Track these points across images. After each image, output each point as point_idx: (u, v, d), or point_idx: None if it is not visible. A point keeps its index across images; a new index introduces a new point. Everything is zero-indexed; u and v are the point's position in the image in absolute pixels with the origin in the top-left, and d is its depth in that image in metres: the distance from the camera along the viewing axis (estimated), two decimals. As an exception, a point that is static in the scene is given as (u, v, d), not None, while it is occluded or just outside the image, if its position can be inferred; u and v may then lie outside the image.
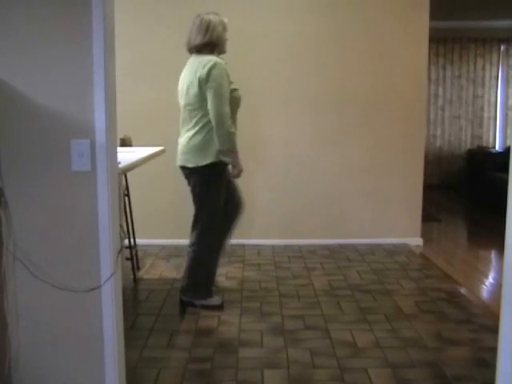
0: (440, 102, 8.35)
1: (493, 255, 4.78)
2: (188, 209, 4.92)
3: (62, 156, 1.86)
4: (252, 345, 2.83)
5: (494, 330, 2.90)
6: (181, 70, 4.87)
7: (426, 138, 6.70)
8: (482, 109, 8.33)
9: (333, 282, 3.83)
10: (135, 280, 3.87)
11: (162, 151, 3.91)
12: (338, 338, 2.92)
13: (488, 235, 5.37)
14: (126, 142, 3.98)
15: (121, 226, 2.09)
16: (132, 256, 3.87)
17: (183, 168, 3.30)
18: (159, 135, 4.64)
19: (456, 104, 8.35)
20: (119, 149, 2.56)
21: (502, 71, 8.31)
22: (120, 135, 3.74)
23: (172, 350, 2.77)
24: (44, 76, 1.83)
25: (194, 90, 3.13)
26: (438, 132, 8.41)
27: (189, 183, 3.34)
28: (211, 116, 3.10)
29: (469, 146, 8.35)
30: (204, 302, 3.35)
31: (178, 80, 5.06)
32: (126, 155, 3.19)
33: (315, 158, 4.83)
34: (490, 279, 4.08)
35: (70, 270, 1.92)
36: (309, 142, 4.83)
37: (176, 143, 4.69)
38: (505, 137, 8.38)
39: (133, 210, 4.01)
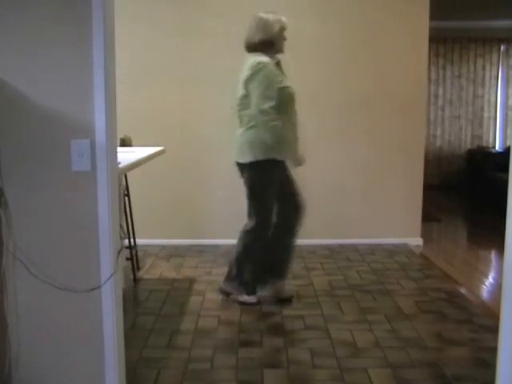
0: (440, 102, 8.35)
1: (493, 255, 4.79)
2: (188, 209, 4.94)
3: (62, 156, 1.86)
4: (252, 345, 2.83)
5: (494, 330, 2.89)
6: (181, 70, 4.89)
7: (426, 138, 6.70)
8: (482, 109, 8.33)
9: (333, 282, 3.83)
10: (135, 280, 3.87)
11: (162, 151, 3.91)
12: (338, 338, 2.92)
13: (488, 235, 5.37)
14: (125, 142, 3.98)
15: (121, 226, 2.09)
16: (132, 256, 3.87)
17: (236, 163, 3.35)
18: (159, 135, 4.64)
19: (456, 104, 8.35)
20: (119, 149, 2.55)
21: (502, 71, 8.31)
22: (120, 135, 3.74)
23: (172, 350, 2.77)
24: (44, 76, 1.84)
25: (241, 89, 3.22)
26: (438, 132, 8.41)
27: (241, 178, 3.38)
28: (253, 115, 3.17)
29: (469, 146, 8.35)
30: (241, 299, 3.40)
31: (178, 80, 5.07)
32: (125, 155, 3.19)
33: (315, 157, 4.82)
34: (490, 279, 4.08)
35: (70, 270, 1.92)
36: (308, 142, 4.81)
37: (174, 143, 4.71)
38: (505, 137, 8.38)
39: (133, 210, 4.01)
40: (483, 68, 8.28)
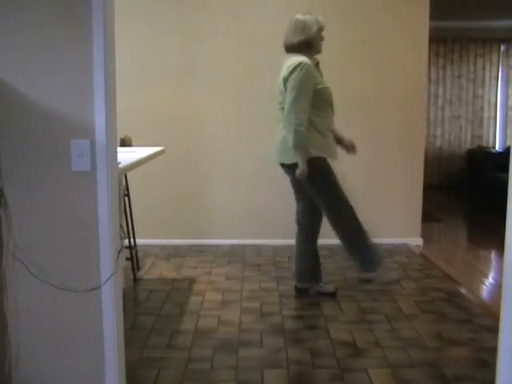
0: (440, 102, 8.35)
1: (493, 255, 4.78)
2: (188, 209, 4.94)
3: (62, 156, 1.86)
4: (252, 345, 2.83)
5: (494, 330, 2.90)
6: (181, 70, 4.89)
7: (426, 138, 6.70)
8: (482, 109, 8.33)
9: (333, 282, 3.83)
10: (135, 280, 3.87)
11: (162, 151, 3.91)
12: (337, 338, 2.92)
13: (488, 235, 5.38)
14: (125, 142, 3.98)
15: (121, 226, 2.09)
16: (132, 256, 3.87)
17: (282, 165, 3.40)
18: (159, 135, 4.65)
19: (456, 104, 8.35)
20: (119, 149, 2.56)
21: (502, 71, 8.31)
22: (120, 135, 3.74)
23: (172, 350, 2.77)
24: (44, 76, 1.83)
25: (281, 89, 3.28)
26: (438, 132, 8.41)
27: (291, 178, 3.45)
28: (285, 112, 3.21)
29: (469, 146, 8.35)
30: (319, 289, 3.56)
31: (178, 80, 5.07)
32: (125, 155, 3.19)
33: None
34: (490, 279, 4.08)
35: (69, 270, 1.92)
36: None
37: (174, 143, 4.71)
38: (505, 137, 8.38)
39: (133, 210, 4.01)
40: (483, 68, 8.27)
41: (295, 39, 3.29)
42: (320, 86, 3.25)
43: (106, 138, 1.86)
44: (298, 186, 3.48)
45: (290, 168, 3.33)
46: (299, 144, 3.18)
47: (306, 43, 3.28)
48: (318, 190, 3.37)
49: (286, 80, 3.22)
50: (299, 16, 3.33)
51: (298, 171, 3.23)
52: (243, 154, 4.83)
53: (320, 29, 3.33)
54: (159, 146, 4.04)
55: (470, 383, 2.45)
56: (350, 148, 3.60)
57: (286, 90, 3.22)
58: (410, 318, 3.20)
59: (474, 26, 8.03)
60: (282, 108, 3.29)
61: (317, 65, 3.35)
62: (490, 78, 8.29)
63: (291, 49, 3.33)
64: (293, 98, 3.16)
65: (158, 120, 4.73)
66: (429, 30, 4.75)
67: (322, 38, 3.35)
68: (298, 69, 3.17)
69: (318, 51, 3.36)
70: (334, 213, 3.40)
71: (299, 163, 3.22)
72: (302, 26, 3.29)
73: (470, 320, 3.16)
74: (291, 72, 3.18)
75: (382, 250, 3.61)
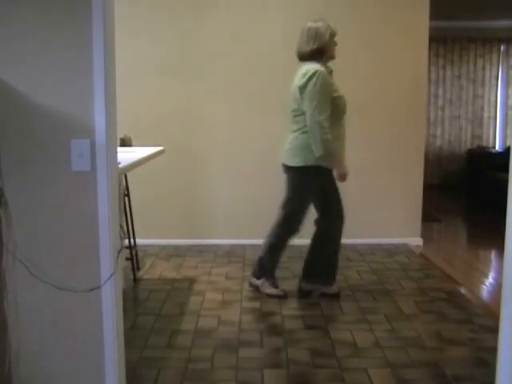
0: (440, 102, 8.35)
1: (493, 255, 4.79)
2: (188, 209, 4.94)
3: (62, 156, 1.86)
4: (252, 345, 2.83)
5: (494, 330, 2.90)
6: (181, 70, 4.89)
7: (426, 138, 6.70)
8: (482, 109, 8.33)
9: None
10: (135, 280, 3.87)
11: (162, 151, 3.91)
12: (337, 338, 2.92)
13: (488, 235, 5.38)
14: (125, 142, 3.98)
15: (121, 226, 2.09)
16: (132, 256, 3.87)
17: (284, 165, 3.45)
18: (159, 135, 4.65)
19: (456, 104, 8.35)
20: (119, 149, 2.55)
21: (501, 71, 8.31)
22: (120, 135, 3.74)
23: (172, 350, 2.77)
24: (44, 76, 1.83)
25: (296, 97, 3.29)
26: (438, 132, 8.41)
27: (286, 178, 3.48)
28: (307, 123, 3.24)
29: (469, 146, 8.35)
30: (325, 290, 3.55)
31: (178, 80, 5.07)
32: (126, 155, 3.19)
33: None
34: (490, 279, 4.08)
35: (69, 270, 1.92)
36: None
37: (174, 143, 4.71)
38: (505, 137, 8.38)
39: (133, 210, 4.01)
40: (483, 68, 8.28)
41: (308, 47, 3.32)
42: (336, 94, 3.29)
43: (106, 138, 1.86)
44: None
45: (291, 170, 3.39)
46: (329, 152, 3.24)
47: (319, 51, 3.31)
48: (293, 196, 3.43)
49: (302, 88, 3.23)
50: (311, 24, 3.35)
51: (336, 176, 3.37)
52: (243, 155, 4.83)
53: (332, 35, 3.35)
54: (159, 146, 4.05)
55: (469, 383, 2.45)
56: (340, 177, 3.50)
57: (302, 98, 3.25)
58: (410, 318, 3.20)
59: (474, 26, 8.03)
60: (296, 115, 3.33)
61: (330, 73, 3.38)
62: (490, 77, 8.29)
63: (304, 57, 3.36)
64: (314, 108, 3.19)
65: (158, 120, 4.73)
66: (429, 29, 4.75)
67: (334, 44, 3.37)
68: (315, 77, 3.20)
69: (332, 57, 3.39)
70: (287, 220, 3.50)
71: (335, 169, 3.36)
72: (314, 34, 3.31)
73: (470, 320, 3.16)
74: (308, 80, 3.21)
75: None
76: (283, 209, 3.50)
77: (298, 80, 3.29)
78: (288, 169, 3.41)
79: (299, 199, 3.45)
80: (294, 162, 3.34)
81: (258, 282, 3.61)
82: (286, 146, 3.43)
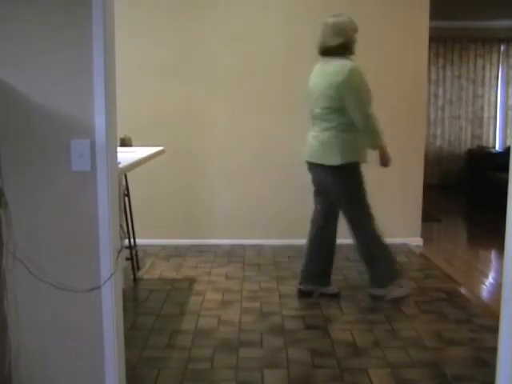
0: (440, 102, 8.35)
1: (493, 255, 4.78)
2: (188, 209, 4.94)
3: (62, 156, 1.86)
4: (252, 345, 2.83)
5: (494, 330, 2.89)
6: (181, 70, 4.88)
7: (426, 138, 6.69)
8: (482, 109, 8.33)
9: (333, 282, 3.83)
10: (135, 280, 3.87)
11: (162, 151, 3.91)
12: (337, 337, 2.92)
13: (488, 235, 5.38)
14: (125, 142, 3.98)
15: (121, 226, 2.09)
16: (132, 256, 3.87)
17: (315, 164, 3.38)
18: (159, 135, 4.65)
19: (456, 104, 8.35)
20: (119, 149, 2.55)
21: (501, 71, 8.31)
22: (120, 135, 3.74)
23: (172, 350, 2.77)
24: (44, 76, 1.83)
25: (330, 94, 3.23)
26: (438, 132, 8.41)
27: (320, 180, 3.44)
28: (357, 119, 3.24)
29: (469, 146, 8.35)
30: (325, 291, 3.54)
31: (178, 80, 5.05)
32: (126, 155, 3.19)
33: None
34: (490, 279, 4.08)
35: (69, 270, 1.92)
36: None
37: (174, 143, 4.71)
38: (505, 137, 8.38)
39: (133, 209, 4.01)
40: (483, 68, 8.27)
41: (334, 42, 3.26)
42: (368, 89, 3.29)
43: (106, 138, 1.86)
44: (323, 188, 3.48)
45: (330, 169, 3.31)
46: (382, 140, 3.37)
47: (345, 45, 3.28)
48: (351, 194, 3.41)
49: (341, 85, 3.18)
50: (336, 19, 3.31)
51: (383, 162, 3.41)
52: (243, 154, 4.83)
53: (355, 30, 3.34)
54: (159, 146, 4.04)
55: (469, 383, 2.45)
56: None
57: (340, 94, 3.20)
58: (410, 318, 3.20)
59: (474, 26, 8.03)
60: (328, 113, 3.27)
61: None
62: (490, 77, 8.29)
63: (330, 52, 3.29)
64: (363, 102, 3.23)
65: (158, 120, 4.73)
66: (429, 30, 4.74)
67: (356, 40, 3.35)
68: (355, 72, 3.20)
69: (353, 53, 3.35)
70: (359, 222, 3.48)
71: (386, 154, 3.41)
72: (340, 29, 3.28)
73: (470, 320, 3.16)
74: (348, 76, 3.18)
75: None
76: (345, 215, 3.44)
77: (333, 77, 3.22)
78: (326, 168, 3.32)
79: (356, 196, 3.40)
80: (337, 160, 3.25)
81: (383, 291, 3.48)
82: (315, 145, 3.34)
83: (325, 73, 3.30)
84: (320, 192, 3.52)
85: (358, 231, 3.45)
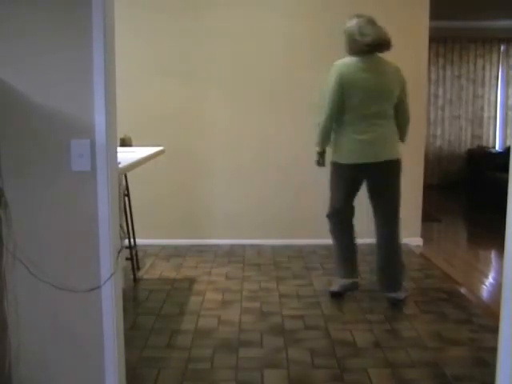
0: (440, 102, 8.35)
1: (493, 255, 4.79)
2: (188, 209, 4.94)
3: (62, 156, 1.86)
4: (252, 345, 2.83)
5: (494, 330, 2.89)
6: (181, 70, 4.87)
7: (426, 138, 6.69)
8: (482, 109, 8.33)
9: (333, 282, 3.83)
10: (135, 280, 3.87)
11: (162, 151, 3.91)
12: (338, 338, 2.92)
13: (488, 235, 5.38)
14: (126, 142, 3.98)
15: (121, 226, 2.09)
16: (132, 256, 3.87)
17: (385, 162, 3.34)
18: (159, 135, 4.65)
19: (456, 104, 8.35)
20: (119, 149, 2.55)
21: (501, 71, 8.31)
22: (120, 135, 3.74)
23: (172, 350, 2.77)
24: (44, 76, 1.83)
25: (396, 90, 3.36)
26: (438, 132, 8.41)
27: (382, 176, 3.41)
28: (407, 115, 3.49)
29: (469, 146, 8.36)
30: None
31: (178, 80, 5.04)
32: (125, 155, 3.19)
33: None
34: (490, 279, 4.08)
35: (69, 270, 1.92)
36: (308, 143, 4.81)
37: (174, 143, 4.71)
38: (505, 137, 8.38)
39: (133, 209, 4.01)
40: (483, 68, 8.28)
41: (388, 37, 3.27)
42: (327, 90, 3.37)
43: (106, 138, 1.86)
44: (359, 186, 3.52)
45: (389, 164, 3.35)
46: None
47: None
48: (397, 191, 3.47)
49: (403, 85, 3.40)
50: (370, 16, 3.36)
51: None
52: (243, 154, 4.83)
53: None
54: (159, 146, 4.04)
55: (469, 383, 2.45)
56: None
57: (400, 92, 3.37)
58: (410, 318, 3.20)
59: (474, 26, 8.03)
60: (391, 108, 3.37)
61: None
62: (490, 77, 8.29)
63: (386, 47, 3.29)
64: (408, 104, 3.48)
65: (158, 120, 4.73)
66: (429, 30, 4.74)
67: None
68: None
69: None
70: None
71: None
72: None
73: (470, 320, 3.16)
74: (403, 78, 3.40)
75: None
76: (393, 211, 3.45)
77: (397, 74, 3.36)
78: (393, 162, 3.37)
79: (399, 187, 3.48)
80: (398, 154, 3.39)
81: (403, 293, 3.44)
82: (382, 141, 3.33)
83: (379, 70, 3.34)
84: (355, 190, 3.54)
85: (398, 229, 3.45)
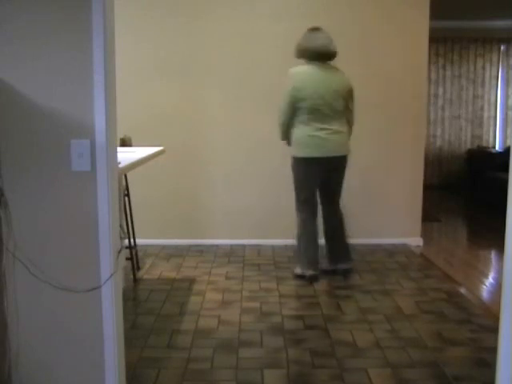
0: (440, 102, 8.35)
1: (493, 255, 4.78)
2: (188, 209, 4.94)
3: (62, 156, 1.86)
4: (252, 345, 2.83)
5: (493, 330, 2.90)
6: (181, 70, 4.87)
7: (426, 138, 6.70)
8: (482, 109, 8.33)
9: (333, 282, 3.83)
10: (135, 280, 3.87)
11: (162, 151, 3.91)
12: (338, 337, 2.92)
13: (488, 235, 5.37)
14: (125, 142, 3.98)
15: (121, 226, 2.09)
16: (132, 256, 3.87)
17: (339, 157, 3.82)
18: (159, 135, 4.65)
19: (456, 104, 8.35)
20: (119, 149, 2.56)
21: (501, 71, 8.31)
22: (120, 135, 3.74)
23: (172, 350, 2.77)
24: (44, 76, 1.83)
25: (343, 96, 3.77)
26: (438, 132, 8.41)
27: (334, 169, 3.88)
28: (351, 117, 3.90)
29: (469, 146, 8.35)
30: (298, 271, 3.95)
31: (178, 80, 5.05)
32: (125, 155, 3.19)
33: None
34: (490, 279, 4.08)
35: (69, 269, 1.92)
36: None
37: (174, 143, 4.71)
38: (505, 137, 8.38)
39: (133, 210, 4.01)
40: (483, 68, 8.28)
41: (335, 48, 3.75)
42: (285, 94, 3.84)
43: (106, 138, 1.86)
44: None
45: (343, 159, 3.86)
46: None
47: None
48: (342, 180, 3.97)
49: (350, 92, 3.82)
50: (321, 27, 3.80)
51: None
52: (243, 155, 4.84)
53: None
54: (159, 146, 4.05)
55: (469, 383, 2.45)
56: None
57: (350, 97, 3.83)
58: (410, 318, 3.20)
59: (474, 26, 8.03)
60: (342, 111, 3.78)
61: None
62: (490, 77, 8.29)
63: (333, 57, 3.78)
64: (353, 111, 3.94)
65: (158, 120, 4.73)
66: (429, 29, 4.75)
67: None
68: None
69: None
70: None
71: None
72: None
73: (470, 320, 3.16)
74: (351, 89, 3.83)
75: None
76: (336, 201, 3.99)
77: (346, 82, 3.79)
78: (344, 158, 3.85)
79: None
80: (347, 150, 3.86)
81: (351, 263, 4.05)
82: (337, 140, 3.76)
83: (328, 77, 3.74)
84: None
85: (339, 206, 4.00)
